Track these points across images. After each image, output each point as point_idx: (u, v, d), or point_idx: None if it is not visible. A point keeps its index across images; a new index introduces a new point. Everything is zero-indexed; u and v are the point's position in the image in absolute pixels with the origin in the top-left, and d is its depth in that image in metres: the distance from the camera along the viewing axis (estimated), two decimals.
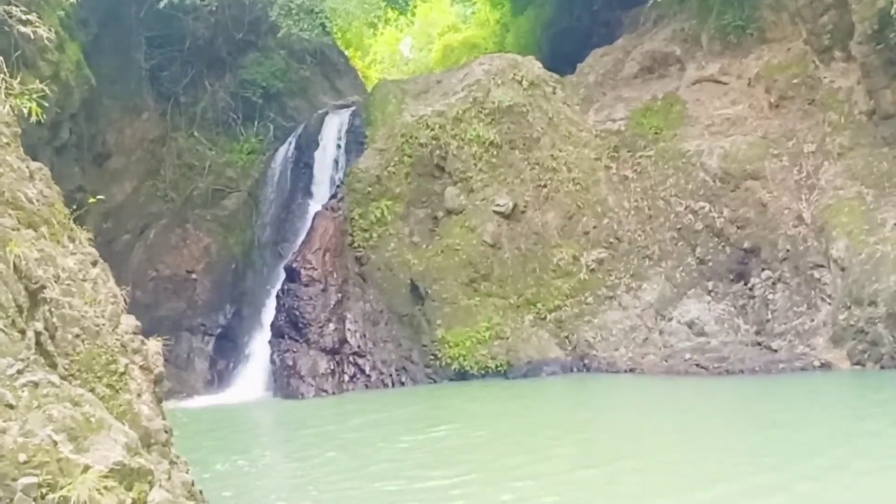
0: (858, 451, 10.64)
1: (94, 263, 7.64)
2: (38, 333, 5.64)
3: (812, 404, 14.77)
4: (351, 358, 21.56)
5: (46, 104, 7.84)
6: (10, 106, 7.07)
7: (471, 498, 9.63)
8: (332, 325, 21.65)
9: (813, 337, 18.88)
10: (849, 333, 18.00)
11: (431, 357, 21.24)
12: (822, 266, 19.63)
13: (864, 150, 20.24)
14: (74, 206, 7.92)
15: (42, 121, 8.10)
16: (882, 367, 17.05)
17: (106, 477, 4.68)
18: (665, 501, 9.01)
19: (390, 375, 21.38)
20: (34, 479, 4.49)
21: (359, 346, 21.68)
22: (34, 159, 7.68)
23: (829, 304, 19.11)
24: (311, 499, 10.21)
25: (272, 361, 21.87)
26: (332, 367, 21.26)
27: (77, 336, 6.37)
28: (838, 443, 11.29)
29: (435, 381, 20.99)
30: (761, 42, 23.36)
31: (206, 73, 28.18)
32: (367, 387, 21.12)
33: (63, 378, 5.60)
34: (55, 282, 6.40)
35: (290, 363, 21.21)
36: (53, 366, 5.74)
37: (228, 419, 19.18)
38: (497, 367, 20.79)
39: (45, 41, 10.32)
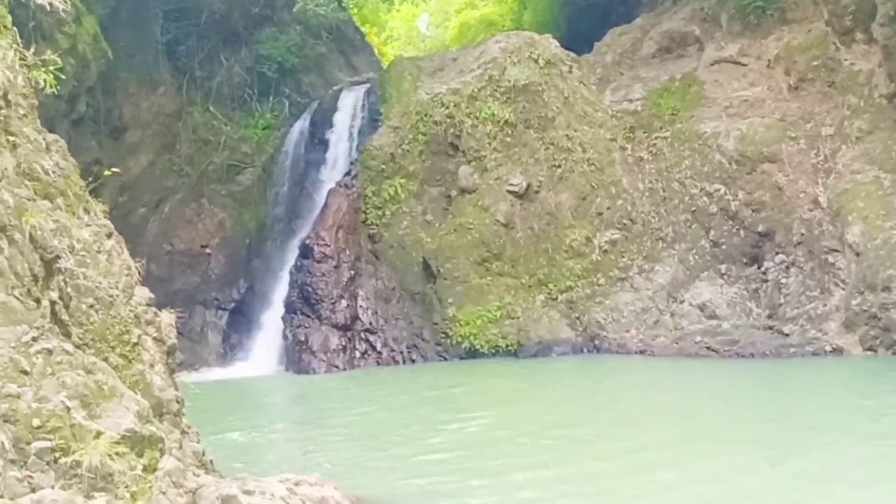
0: (861, 436, 10.64)
1: (109, 235, 7.74)
2: (52, 303, 5.74)
3: (821, 389, 14.75)
4: (362, 334, 21.71)
5: (63, 77, 7.89)
6: (28, 78, 7.13)
7: (481, 467, 9.73)
8: (344, 302, 21.79)
9: (825, 322, 18.79)
10: (861, 319, 17.91)
11: (442, 335, 21.35)
12: (836, 251, 19.48)
13: (883, 133, 19.98)
14: (90, 179, 7.99)
15: (59, 93, 8.17)
16: (894, 353, 16.99)
17: (118, 443, 4.79)
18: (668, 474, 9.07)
19: (401, 353, 21.52)
20: (47, 444, 4.61)
21: (370, 323, 21.82)
22: (51, 131, 7.76)
23: (843, 289, 18.99)
24: (321, 469, 10.34)
25: (284, 337, 22.07)
26: (343, 344, 21.43)
27: (91, 306, 6.48)
28: (843, 427, 11.29)
29: (445, 359, 21.11)
30: (782, 23, 23.02)
31: (222, 48, 28.19)
32: (377, 363, 21.28)
33: (77, 347, 5.71)
34: (70, 252, 6.50)
35: (302, 339, 21.40)
36: (67, 335, 5.85)
37: (240, 392, 19.41)
38: (507, 346, 20.87)
39: (62, 13, 10.36)
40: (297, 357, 21.35)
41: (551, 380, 18.28)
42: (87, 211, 7.50)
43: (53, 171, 6.96)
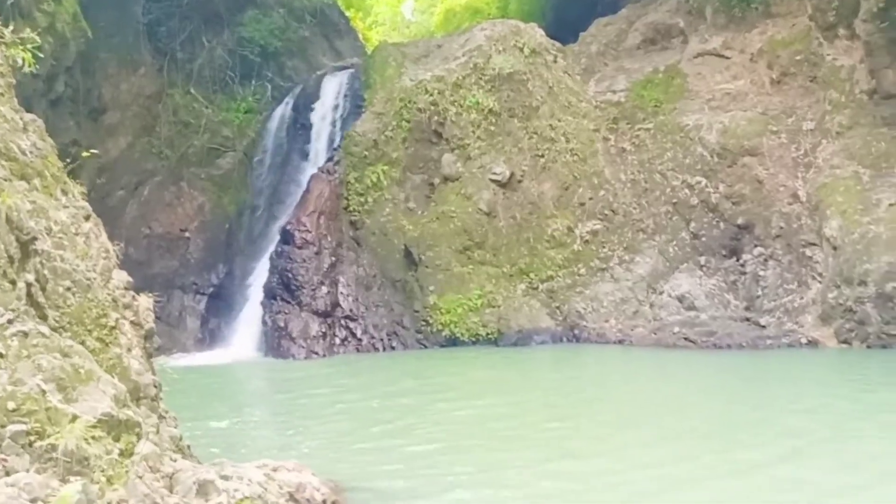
0: (834, 426, 10.81)
1: (87, 218, 7.63)
2: (28, 285, 5.65)
3: (795, 381, 14.94)
4: (342, 321, 21.67)
5: (41, 55, 7.75)
6: (4, 56, 6.99)
7: (459, 454, 9.77)
8: (324, 288, 21.72)
9: (801, 314, 19.03)
10: (837, 312, 18.15)
11: (423, 323, 21.36)
12: (814, 244, 19.71)
13: (863, 129, 20.19)
14: (68, 160, 7.85)
15: (37, 73, 8.03)
16: (868, 347, 17.25)
17: (94, 427, 4.74)
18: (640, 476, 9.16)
19: (381, 340, 21.51)
20: (22, 427, 4.55)
21: (351, 310, 21.77)
22: (28, 111, 7.61)
23: (820, 282, 19.23)
24: (299, 455, 10.33)
25: (264, 322, 21.97)
26: (323, 330, 21.38)
27: (68, 289, 6.38)
28: (815, 419, 11.46)
29: (425, 347, 21.13)
30: (766, 17, 23.16)
31: (204, 30, 27.87)
32: (357, 350, 21.26)
33: (53, 330, 5.63)
34: (47, 234, 6.40)
35: (282, 324, 21.32)
36: (44, 317, 5.77)
37: (219, 377, 19.31)
38: (488, 334, 20.93)
39: None
40: (276, 343, 21.27)
41: (531, 369, 18.36)
42: (64, 192, 7.39)
43: (31, 152, 6.84)
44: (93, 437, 4.69)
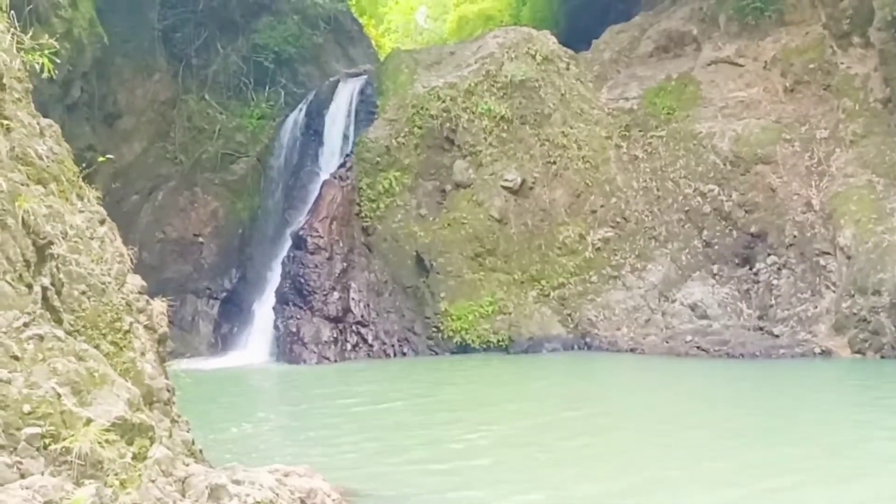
0: (846, 437, 10.73)
1: (102, 222, 7.69)
2: (44, 289, 5.70)
3: (809, 391, 14.84)
4: (354, 327, 21.71)
5: (58, 61, 7.82)
6: (22, 61, 7.07)
7: (469, 462, 9.76)
8: (336, 294, 21.77)
9: (815, 324, 18.89)
10: (851, 322, 18.01)
11: (434, 329, 21.36)
12: (828, 253, 19.58)
13: (877, 138, 20.07)
14: (84, 165, 7.93)
15: (54, 78, 8.10)
16: (882, 357, 17.10)
17: (108, 430, 4.78)
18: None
19: (392, 346, 21.53)
20: (37, 430, 4.59)
21: (362, 316, 21.81)
22: (45, 116, 7.69)
23: (834, 291, 19.09)
24: (310, 461, 10.34)
25: (276, 327, 22.04)
26: (334, 336, 21.42)
27: (83, 293, 6.44)
28: (828, 430, 11.37)
29: (436, 354, 21.12)
30: (779, 25, 23.08)
31: (219, 36, 28.06)
32: (368, 356, 21.28)
33: (68, 333, 5.68)
34: (63, 238, 6.46)
35: (294, 330, 21.37)
36: (59, 321, 5.82)
37: (232, 382, 19.38)
38: (499, 341, 20.90)
39: None
40: (288, 348, 21.33)
41: (541, 378, 18.29)
42: (80, 197, 7.46)
43: (47, 157, 6.91)
44: (107, 441, 4.73)
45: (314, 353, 21.00)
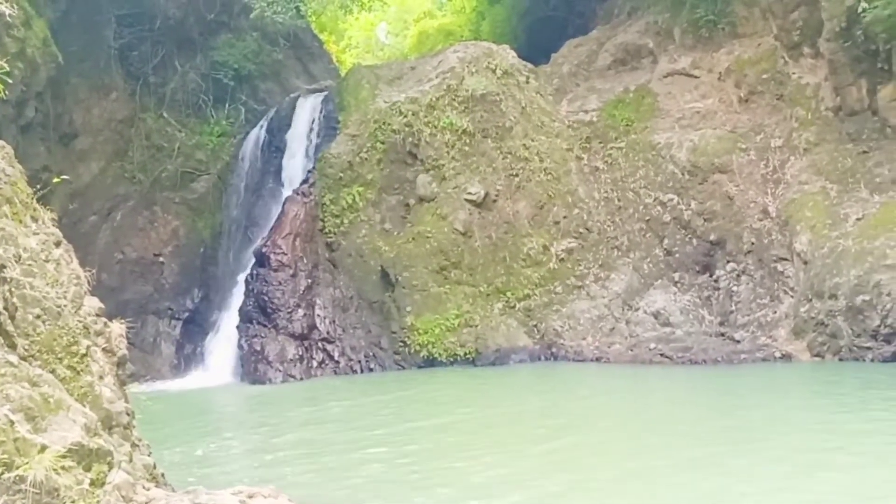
0: (805, 438, 10.94)
1: (58, 244, 7.55)
2: None
3: (769, 394, 15.09)
4: (320, 344, 21.54)
5: (11, 81, 7.71)
6: None
7: (438, 477, 9.73)
8: (301, 311, 21.61)
9: (775, 329, 19.26)
10: (809, 326, 18.39)
11: (400, 344, 21.30)
12: (785, 259, 20.00)
13: (829, 145, 20.61)
14: (39, 186, 7.80)
15: (7, 98, 7.98)
16: (840, 359, 17.46)
17: (63, 457, 4.68)
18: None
19: (359, 362, 21.41)
20: None
21: (328, 332, 21.67)
22: None
23: (792, 296, 19.49)
24: (276, 481, 10.23)
25: (240, 346, 21.77)
26: (300, 353, 21.24)
27: (38, 317, 6.31)
28: (785, 430, 11.58)
29: (403, 368, 21.06)
30: (732, 37, 23.62)
31: (177, 54, 27.81)
32: (335, 373, 21.14)
33: (23, 359, 5.56)
34: (16, 262, 6.33)
35: (259, 348, 21.15)
36: (13, 346, 5.69)
37: (195, 404, 19.08)
38: (465, 354, 20.91)
39: (9, 17, 10.12)
40: (252, 367, 21.08)
41: (508, 389, 18.34)
42: (34, 219, 7.32)
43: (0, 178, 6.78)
44: (63, 468, 4.62)
45: (279, 371, 20.80)
